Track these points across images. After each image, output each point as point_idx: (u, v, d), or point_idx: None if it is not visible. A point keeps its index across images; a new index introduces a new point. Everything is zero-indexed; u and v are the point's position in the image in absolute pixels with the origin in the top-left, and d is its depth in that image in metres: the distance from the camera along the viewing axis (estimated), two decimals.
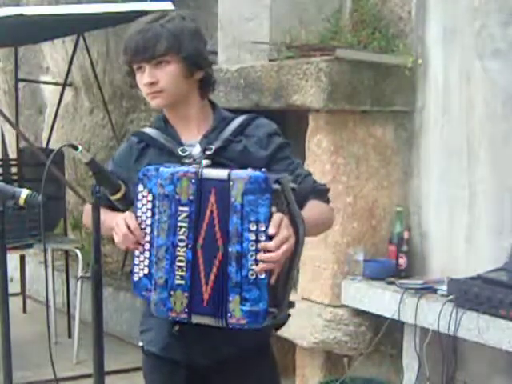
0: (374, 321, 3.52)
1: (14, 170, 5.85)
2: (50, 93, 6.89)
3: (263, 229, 1.79)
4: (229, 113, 2.12)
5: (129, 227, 1.92)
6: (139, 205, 1.95)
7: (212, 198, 1.85)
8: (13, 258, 5.47)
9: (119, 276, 5.84)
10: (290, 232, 1.80)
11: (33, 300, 6.20)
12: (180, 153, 2.00)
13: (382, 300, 3.34)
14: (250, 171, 1.83)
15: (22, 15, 4.16)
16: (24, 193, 2.47)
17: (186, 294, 1.86)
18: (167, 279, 1.88)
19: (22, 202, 2.46)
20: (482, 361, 3.35)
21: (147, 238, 1.93)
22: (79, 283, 4.82)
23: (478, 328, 2.92)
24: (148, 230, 1.93)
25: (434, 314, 3.08)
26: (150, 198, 1.93)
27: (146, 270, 1.94)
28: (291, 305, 1.95)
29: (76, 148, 2.10)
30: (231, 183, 1.81)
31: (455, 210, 3.52)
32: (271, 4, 3.70)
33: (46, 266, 3.15)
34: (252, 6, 3.84)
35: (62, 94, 5.87)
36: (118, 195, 2.22)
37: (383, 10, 3.81)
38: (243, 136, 2.03)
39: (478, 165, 3.42)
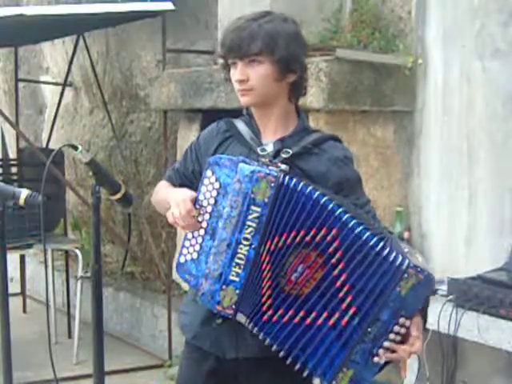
0: None
1: (14, 170, 5.85)
2: (50, 93, 6.89)
3: (407, 324, 1.82)
4: (310, 125, 2.11)
5: (193, 208, 1.94)
6: (203, 189, 1.95)
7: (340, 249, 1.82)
8: (13, 258, 5.47)
9: (119, 276, 5.84)
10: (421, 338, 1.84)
11: (33, 300, 6.20)
12: (259, 152, 1.99)
13: None
14: (422, 264, 1.82)
15: (21, 15, 4.16)
16: (24, 193, 2.48)
17: (237, 292, 1.88)
18: (222, 273, 1.88)
19: (22, 201, 2.47)
20: (482, 361, 3.35)
21: (204, 224, 1.94)
22: (79, 283, 4.82)
23: (478, 328, 2.92)
24: (206, 216, 1.94)
25: (433, 314, 3.08)
26: (216, 185, 1.93)
27: (195, 255, 1.95)
28: None
29: (76, 148, 2.10)
30: (405, 275, 1.78)
31: (455, 210, 3.52)
32: (271, 4, 3.70)
33: (46, 266, 3.15)
34: (252, 6, 3.84)
35: (61, 94, 5.87)
36: (118, 195, 2.23)
37: (383, 10, 3.81)
38: (319, 149, 2.01)
39: (478, 165, 3.42)
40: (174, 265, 2.03)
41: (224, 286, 1.88)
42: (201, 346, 2.07)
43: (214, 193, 1.94)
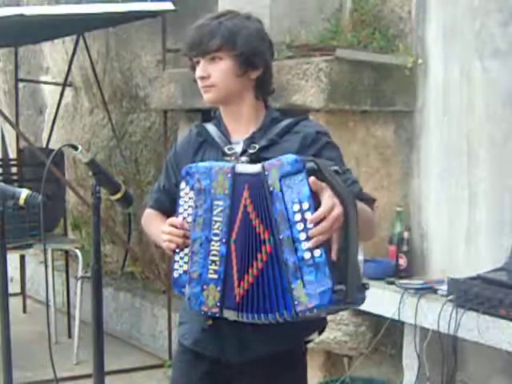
0: (374, 321, 3.51)
1: (14, 170, 5.86)
2: (49, 93, 6.89)
3: (307, 207, 1.74)
4: (279, 114, 2.10)
5: (173, 228, 1.94)
6: (181, 202, 1.96)
7: (245, 193, 1.84)
8: (13, 258, 5.47)
9: (119, 276, 5.84)
10: (334, 201, 1.74)
11: (33, 300, 6.21)
12: (227, 151, 2.00)
13: (382, 300, 3.34)
14: (281, 157, 1.81)
15: (22, 15, 4.17)
16: (24, 193, 2.48)
17: (218, 289, 1.86)
18: (201, 273, 1.87)
19: (22, 201, 2.47)
20: (482, 361, 3.35)
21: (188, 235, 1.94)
22: (79, 283, 4.82)
23: (477, 328, 2.92)
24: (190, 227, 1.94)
25: (434, 314, 3.08)
26: (191, 195, 1.93)
27: (185, 267, 1.94)
28: (364, 286, 1.87)
29: (76, 148, 2.10)
30: (266, 173, 1.80)
31: (455, 210, 3.52)
32: (271, 4, 3.70)
33: (46, 266, 3.16)
34: (252, 6, 3.83)
35: (61, 94, 5.87)
36: (118, 195, 2.23)
37: (383, 10, 3.81)
38: (290, 134, 2.01)
39: (478, 165, 3.42)
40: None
41: (205, 286, 1.87)
42: (203, 352, 2.06)
43: (192, 203, 1.93)
